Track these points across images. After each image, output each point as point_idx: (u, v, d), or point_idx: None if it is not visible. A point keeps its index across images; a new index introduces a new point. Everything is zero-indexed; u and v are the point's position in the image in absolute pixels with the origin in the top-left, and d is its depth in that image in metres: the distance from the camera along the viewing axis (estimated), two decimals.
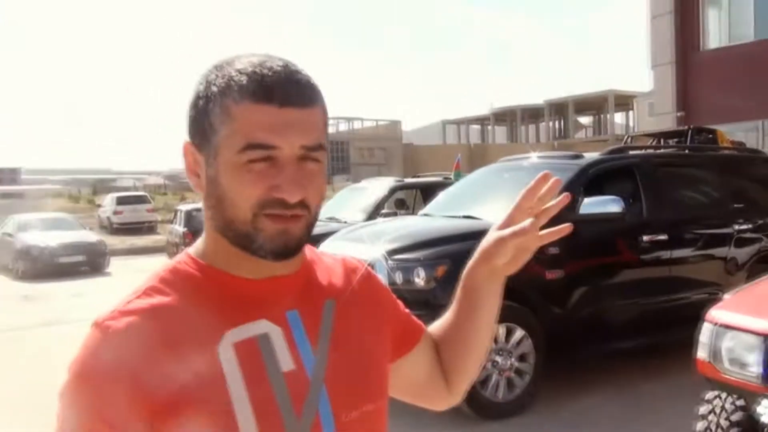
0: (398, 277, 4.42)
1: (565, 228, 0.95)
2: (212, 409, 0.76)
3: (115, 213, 23.38)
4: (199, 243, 0.88)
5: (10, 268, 14.28)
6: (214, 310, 0.82)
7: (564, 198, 0.96)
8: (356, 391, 0.88)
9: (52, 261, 13.66)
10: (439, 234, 4.84)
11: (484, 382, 4.40)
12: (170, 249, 14.59)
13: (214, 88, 0.80)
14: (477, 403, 4.35)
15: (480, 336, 1.05)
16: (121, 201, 23.44)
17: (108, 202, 25.36)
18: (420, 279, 4.34)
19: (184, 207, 15.29)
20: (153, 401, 0.75)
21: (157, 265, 0.93)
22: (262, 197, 0.78)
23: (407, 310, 1.06)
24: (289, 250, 0.81)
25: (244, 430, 0.77)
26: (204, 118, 0.80)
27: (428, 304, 4.36)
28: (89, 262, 14.16)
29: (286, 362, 0.82)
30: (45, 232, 14.67)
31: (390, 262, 4.50)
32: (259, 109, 0.77)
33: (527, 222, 0.93)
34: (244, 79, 0.78)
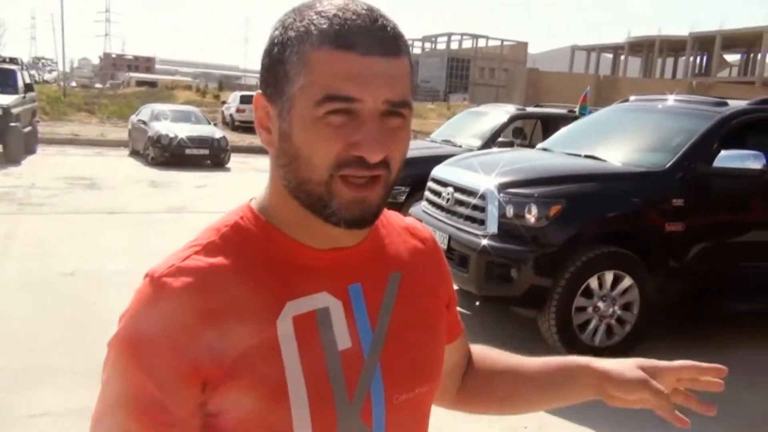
0: (509, 211, 4.37)
1: (704, 406, 0.91)
2: (265, 384, 0.73)
3: (238, 111, 24.29)
4: (264, 198, 0.82)
5: (142, 153, 15.34)
6: (276, 278, 0.77)
7: (709, 408, 0.91)
8: (411, 372, 0.84)
9: (180, 151, 14.46)
10: (557, 172, 4.70)
11: (582, 325, 4.36)
12: None
13: (291, 33, 0.72)
14: (572, 344, 4.33)
15: (537, 406, 1.04)
16: (244, 99, 24.17)
17: (232, 99, 26.38)
18: (531, 216, 4.27)
19: None
20: (205, 368, 0.71)
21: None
22: (340, 155, 0.71)
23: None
24: (365, 220, 0.75)
25: (295, 407, 0.74)
26: (279, 67, 0.73)
27: (537, 242, 4.32)
28: (212, 156, 14.89)
29: (343, 339, 0.78)
30: (175, 123, 15.51)
31: (502, 194, 4.44)
32: (340, 56, 0.70)
33: (677, 413, 0.90)
34: (324, 23, 0.71)
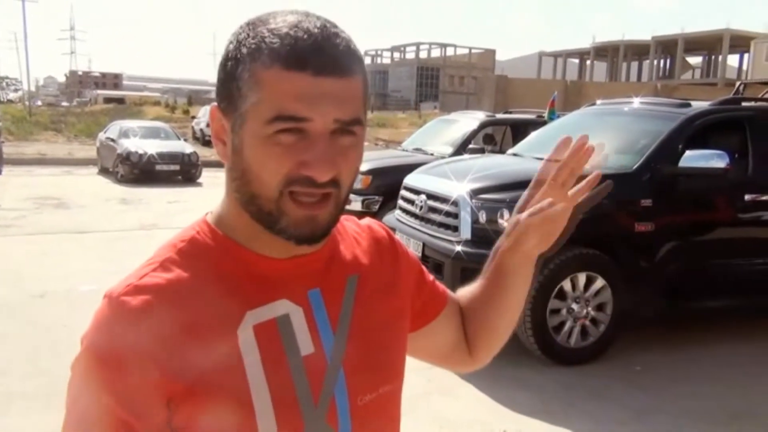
0: (482, 217, 4.41)
1: (593, 178, 0.92)
2: (230, 396, 0.73)
3: (208, 125, 23.91)
4: (220, 211, 0.82)
5: (111, 171, 15.14)
6: (234, 289, 0.77)
7: (606, 186, 0.92)
8: (374, 373, 0.85)
9: (150, 168, 14.34)
10: (527, 176, 4.67)
11: (557, 327, 4.40)
12: None
13: (244, 50, 0.72)
14: (548, 346, 4.37)
15: (508, 315, 1.03)
16: None
17: (202, 113, 26.20)
18: (504, 220, 4.31)
19: None
20: (169, 385, 0.71)
21: None
22: (290, 173, 0.71)
23: (431, 278, 1.03)
24: (314, 237, 0.76)
25: (260, 416, 0.74)
26: (232, 83, 0.73)
27: None
28: (183, 172, 14.78)
29: (306, 345, 0.79)
30: (144, 139, 15.38)
31: (475, 200, 4.48)
32: (291, 76, 0.69)
33: (558, 207, 0.89)
34: (276, 41, 0.70)
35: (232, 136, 0.75)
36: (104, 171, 15.91)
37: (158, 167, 14.45)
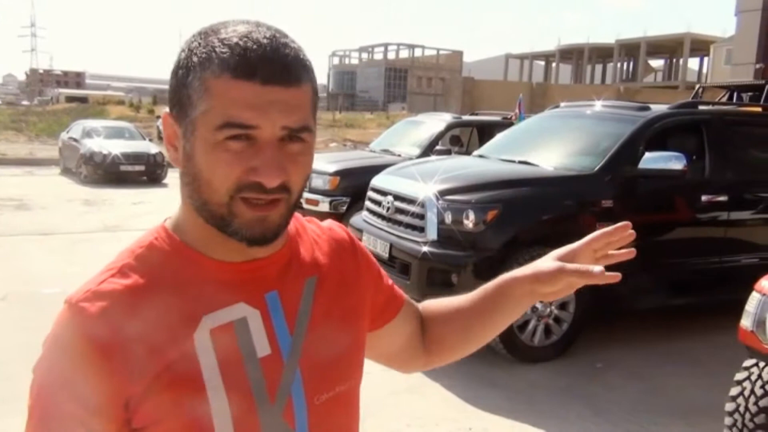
0: (448, 217, 4.47)
1: (628, 253, 0.98)
2: (187, 399, 0.76)
3: None
4: (177, 217, 0.84)
5: (74, 171, 14.86)
6: (191, 294, 0.79)
7: (629, 253, 0.98)
8: (330, 372, 0.87)
9: (115, 168, 14.13)
10: (492, 178, 4.83)
11: (522, 326, 4.48)
12: None
13: (195, 59, 0.74)
14: (513, 345, 4.45)
15: (490, 334, 1.07)
16: None
17: None
18: (469, 221, 4.38)
19: None
20: (127, 389, 0.73)
21: None
22: (240, 179, 0.74)
23: (390, 281, 1.06)
24: (266, 238, 0.78)
25: (217, 418, 0.77)
26: (183, 90, 0.75)
27: (476, 247, 4.42)
28: (148, 172, 14.58)
29: (262, 347, 0.81)
30: (108, 139, 15.14)
31: (441, 201, 4.53)
32: (240, 85, 0.72)
33: (597, 268, 0.92)
34: (226, 51, 0.73)
35: (184, 141, 0.77)
36: (67, 171, 15.62)
37: (123, 168, 14.23)
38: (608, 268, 0.95)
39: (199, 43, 0.75)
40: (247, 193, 0.75)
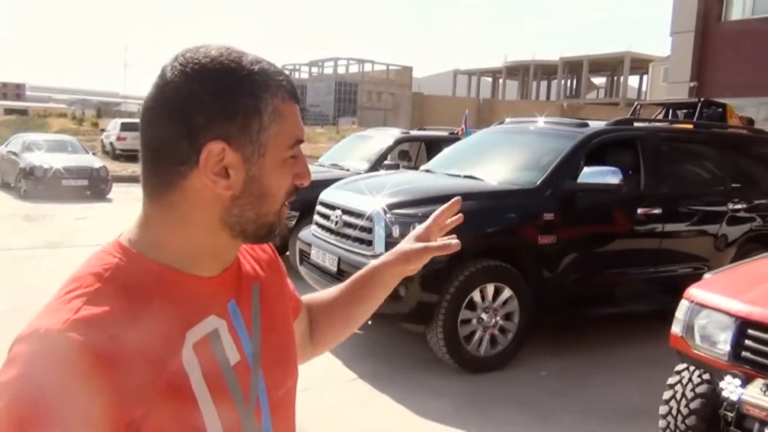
0: (395, 231, 4.54)
1: (453, 246, 1.13)
2: (182, 414, 0.78)
3: (119, 139, 23.27)
4: (146, 237, 0.84)
5: (13, 186, 14.38)
6: (173, 313, 0.80)
7: (458, 219, 1.19)
8: (283, 369, 0.96)
9: (56, 183, 13.73)
10: (439, 192, 4.93)
11: (468, 337, 4.58)
12: None
13: (255, 88, 0.81)
14: (459, 356, 4.54)
15: (363, 317, 1.21)
16: (125, 127, 23.16)
17: (112, 126, 25.25)
18: None
19: None
20: (129, 413, 0.73)
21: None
22: (290, 186, 0.87)
23: (292, 285, 1.15)
24: (283, 231, 0.90)
25: (210, 427, 0.80)
26: (251, 118, 0.81)
27: None
28: (92, 187, 14.21)
29: (233, 354, 0.86)
30: (50, 153, 14.72)
31: (389, 215, 4.61)
32: (295, 108, 0.86)
33: (454, 242, 1.12)
34: (282, 79, 0.85)
35: (248, 165, 0.82)
36: (5, 186, 15.12)
37: (65, 182, 13.84)
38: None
39: (249, 71, 0.81)
40: (290, 197, 0.88)
